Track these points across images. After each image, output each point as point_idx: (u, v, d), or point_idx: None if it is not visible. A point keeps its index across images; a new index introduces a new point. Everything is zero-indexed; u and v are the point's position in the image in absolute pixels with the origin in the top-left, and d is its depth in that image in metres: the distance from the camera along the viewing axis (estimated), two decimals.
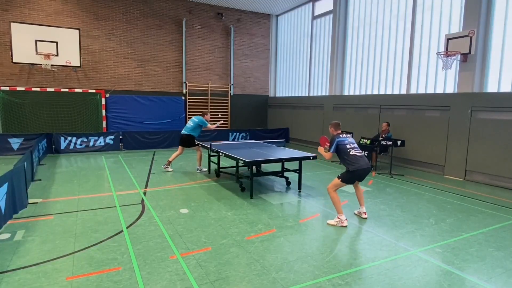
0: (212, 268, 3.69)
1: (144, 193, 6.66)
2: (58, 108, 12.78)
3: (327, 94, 13.68)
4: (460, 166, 8.57)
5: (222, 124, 9.25)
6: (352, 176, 5.05)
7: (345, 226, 4.92)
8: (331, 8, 13.30)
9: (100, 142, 11.87)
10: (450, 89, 9.31)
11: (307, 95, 15.27)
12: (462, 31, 8.44)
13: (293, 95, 16.34)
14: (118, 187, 7.13)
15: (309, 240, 4.54)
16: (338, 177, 5.10)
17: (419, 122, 9.61)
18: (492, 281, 3.56)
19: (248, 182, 6.56)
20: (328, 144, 5.31)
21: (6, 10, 11.90)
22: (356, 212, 5.58)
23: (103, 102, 13.49)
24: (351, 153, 5.07)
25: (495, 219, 5.55)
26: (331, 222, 5.03)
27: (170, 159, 8.80)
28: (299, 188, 7.05)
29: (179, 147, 8.77)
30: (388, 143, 8.79)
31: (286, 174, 7.41)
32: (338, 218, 4.98)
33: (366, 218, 5.37)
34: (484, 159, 8.07)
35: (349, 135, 5.29)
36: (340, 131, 5.29)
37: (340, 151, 5.10)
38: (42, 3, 12.38)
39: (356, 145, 5.21)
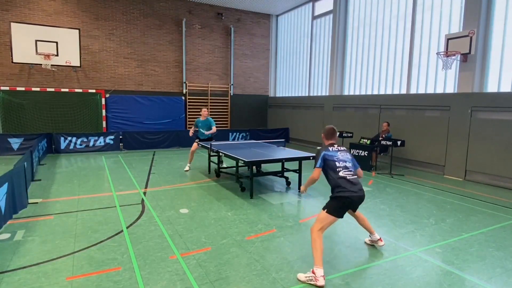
0: (212, 268, 3.69)
1: (144, 193, 6.66)
2: (58, 108, 12.77)
3: (327, 94, 13.68)
4: (460, 166, 8.57)
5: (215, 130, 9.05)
6: (340, 204, 3.73)
7: (321, 287, 3.37)
8: (331, 8, 13.30)
9: (100, 142, 11.87)
10: (450, 89, 9.31)
11: (307, 95, 15.27)
12: (462, 31, 8.44)
13: (293, 95, 16.34)
14: (118, 187, 7.13)
15: (309, 240, 4.52)
16: (324, 208, 3.78)
17: (419, 122, 9.61)
18: (492, 281, 3.56)
19: (248, 182, 6.56)
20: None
21: (6, 10, 11.90)
22: (367, 240, 4.46)
23: (103, 102, 13.49)
24: (340, 173, 3.81)
25: (495, 219, 5.55)
26: (301, 277, 3.52)
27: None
28: (299, 188, 7.05)
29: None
30: (388, 143, 8.79)
31: (286, 174, 7.41)
32: (312, 272, 3.46)
33: (383, 245, 4.32)
34: (484, 159, 8.07)
35: (343, 149, 4.05)
36: (333, 141, 4.09)
37: (327, 168, 3.88)
38: (42, 3, 12.38)
39: (349, 163, 3.91)
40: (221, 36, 15.75)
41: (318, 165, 3.89)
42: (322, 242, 3.62)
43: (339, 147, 4.05)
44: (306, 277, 3.48)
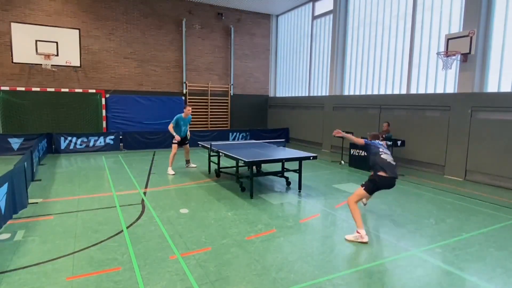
0: (212, 268, 3.69)
1: (144, 193, 6.66)
2: (58, 108, 12.77)
3: (327, 94, 13.67)
4: (460, 166, 8.57)
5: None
6: (378, 184, 4.62)
7: (366, 242, 4.39)
8: (331, 8, 13.30)
9: (100, 142, 11.87)
10: (450, 89, 9.31)
11: (307, 95, 15.27)
12: (462, 31, 8.43)
13: (293, 95, 16.34)
14: (118, 187, 7.13)
15: (309, 240, 4.54)
16: (362, 186, 4.68)
17: (419, 122, 9.61)
18: (492, 281, 3.56)
19: (248, 182, 6.56)
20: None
21: (6, 10, 11.90)
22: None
23: (103, 102, 13.49)
24: (382, 156, 4.65)
25: (495, 219, 5.55)
26: (349, 237, 4.50)
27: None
28: (299, 188, 7.05)
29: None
30: (388, 143, 8.78)
31: (286, 174, 7.40)
32: (357, 232, 4.45)
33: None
34: (484, 159, 8.07)
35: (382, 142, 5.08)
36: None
37: (371, 151, 4.80)
38: (42, 3, 12.38)
39: (389, 152, 4.85)
40: (221, 36, 15.74)
41: (366, 141, 5.05)
42: (358, 208, 4.62)
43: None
44: (353, 236, 4.47)
